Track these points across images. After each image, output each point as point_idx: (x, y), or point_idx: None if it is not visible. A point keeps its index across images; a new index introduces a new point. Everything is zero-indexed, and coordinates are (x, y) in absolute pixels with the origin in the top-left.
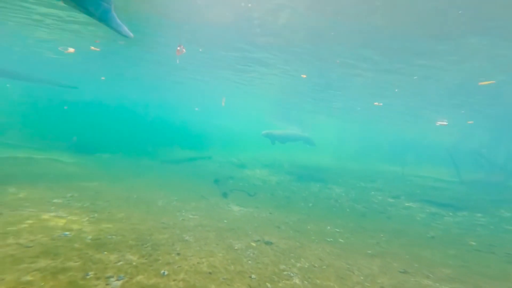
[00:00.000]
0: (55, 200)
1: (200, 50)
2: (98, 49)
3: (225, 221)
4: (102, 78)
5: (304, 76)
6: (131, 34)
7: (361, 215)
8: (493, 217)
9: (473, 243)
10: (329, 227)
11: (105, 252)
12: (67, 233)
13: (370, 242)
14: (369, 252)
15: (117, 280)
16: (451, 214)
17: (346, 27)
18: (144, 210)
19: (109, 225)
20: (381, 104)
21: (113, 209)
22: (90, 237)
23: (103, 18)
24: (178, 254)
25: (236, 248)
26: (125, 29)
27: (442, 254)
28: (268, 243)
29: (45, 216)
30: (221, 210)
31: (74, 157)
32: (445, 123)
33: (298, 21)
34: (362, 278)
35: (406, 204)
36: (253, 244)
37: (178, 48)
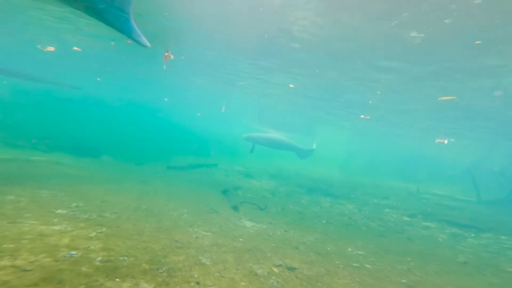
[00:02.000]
0: (59, 211)
1: (182, 58)
2: (79, 49)
3: (240, 239)
4: (98, 79)
5: (292, 85)
6: (149, 44)
7: (379, 235)
8: None
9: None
10: (350, 249)
11: (117, 280)
12: (73, 252)
13: (399, 268)
14: (404, 281)
15: None
16: (473, 235)
17: (372, 37)
18: (155, 224)
19: (119, 242)
20: (368, 117)
21: (122, 223)
22: (99, 258)
23: (123, 28)
24: (198, 283)
25: (258, 274)
26: (143, 39)
27: (487, 284)
28: (291, 268)
29: (48, 230)
30: (233, 226)
31: (77, 160)
32: (444, 141)
33: (318, 32)
34: None
35: (424, 224)
36: (276, 270)
37: (166, 54)
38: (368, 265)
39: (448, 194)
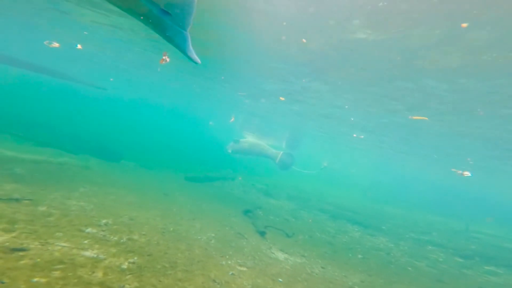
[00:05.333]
0: (88, 230)
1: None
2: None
3: (280, 280)
4: (111, 79)
5: (283, 98)
6: (199, 61)
7: (435, 280)
8: None
9: None
10: None
11: None
12: None
13: None
14: None
15: None
16: None
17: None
18: (186, 253)
19: (154, 280)
20: (362, 136)
21: (152, 249)
22: None
23: (180, 45)
24: None
25: None
26: (195, 55)
27: None
28: None
29: (80, 257)
30: (266, 258)
31: (100, 164)
32: (468, 174)
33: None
34: None
35: (487, 268)
36: None
37: (164, 57)
38: None
39: (501, 235)
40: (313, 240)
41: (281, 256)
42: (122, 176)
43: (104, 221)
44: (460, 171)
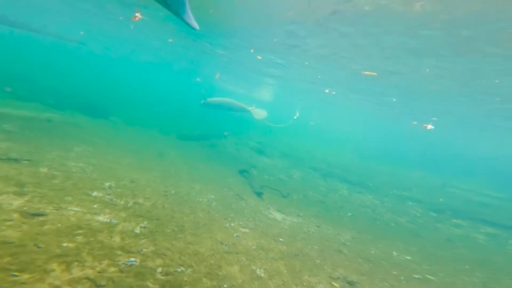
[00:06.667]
0: (94, 194)
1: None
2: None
3: (280, 239)
4: (81, 32)
5: (259, 57)
6: (197, 26)
7: (414, 234)
8: None
9: None
10: (395, 253)
11: None
12: (133, 260)
13: (468, 280)
14: None
15: None
16: None
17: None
18: (191, 217)
19: (167, 244)
20: (334, 92)
21: (159, 213)
22: (159, 269)
23: (179, 11)
24: None
25: None
26: (193, 21)
27: None
28: (351, 283)
29: (95, 222)
30: (266, 219)
31: (89, 121)
32: (430, 127)
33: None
34: None
35: (455, 221)
36: (336, 285)
37: (136, 14)
38: (431, 277)
39: (476, 189)
40: (307, 200)
41: (279, 216)
42: (114, 135)
43: (107, 184)
44: (425, 125)
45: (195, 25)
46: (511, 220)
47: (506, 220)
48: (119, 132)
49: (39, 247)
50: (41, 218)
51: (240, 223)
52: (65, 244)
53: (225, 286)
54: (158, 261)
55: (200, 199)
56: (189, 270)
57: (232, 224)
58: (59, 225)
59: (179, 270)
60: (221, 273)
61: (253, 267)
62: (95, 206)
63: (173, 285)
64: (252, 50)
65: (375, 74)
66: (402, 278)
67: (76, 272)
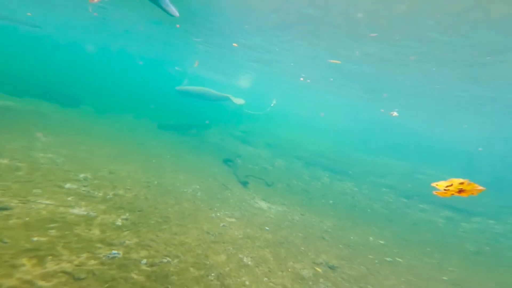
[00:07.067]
0: (68, 186)
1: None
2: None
3: (266, 228)
4: (28, 14)
5: (235, 44)
6: (177, 14)
7: (387, 220)
8: (505, 224)
9: None
10: (371, 238)
11: None
12: (115, 252)
13: (428, 262)
14: (445, 278)
15: None
16: (465, 219)
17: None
18: (176, 207)
19: (151, 235)
20: (308, 81)
21: (142, 205)
22: (144, 261)
23: None
24: None
25: (305, 277)
26: (172, 8)
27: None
28: (332, 267)
29: (70, 215)
30: (252, 208)
31: (56, 109)
32: (395, 114)
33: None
34: None
35: (421, 206)
36: (319, 270)
37: None
38: (400, 259)
39: (442, 176)
40: (290, 188)
41: (264, 205)
42: (86, 124)
43: (82, 175)
44: (390, 112)
45: (175, 11)
46: (463, 203)
47: (459, 203)
48: (92, 121)
49: (4, 242)
50: (5, 212)
51: (226, 212)
52: (35, 238)
53: (212, 274)
54: (143, 253)
55: (185, 190)
56: (176, 260)
57: (218, 214)
58: (27, 219)
59: (165, 260)
60: (208, 262)
61: (240, 256)
62: (69, 198)
63: (159, 276)
64: (234, 44)
65: (339, 62)
66: (376, 261)
67: (51, 266)
